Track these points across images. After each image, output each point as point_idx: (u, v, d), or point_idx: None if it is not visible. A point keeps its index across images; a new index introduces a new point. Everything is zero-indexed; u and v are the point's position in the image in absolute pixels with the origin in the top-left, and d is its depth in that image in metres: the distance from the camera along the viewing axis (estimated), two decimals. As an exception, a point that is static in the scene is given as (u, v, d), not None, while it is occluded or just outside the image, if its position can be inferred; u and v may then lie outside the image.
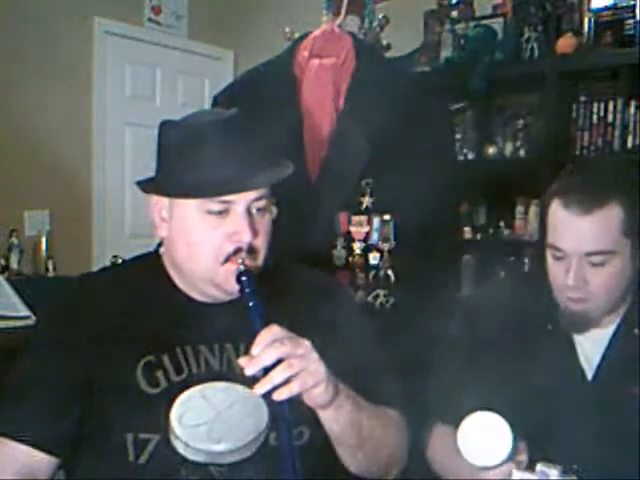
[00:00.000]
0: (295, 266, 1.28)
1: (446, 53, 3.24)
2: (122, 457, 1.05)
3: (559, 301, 1.27)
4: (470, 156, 3.28)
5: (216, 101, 1.90)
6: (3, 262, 3.32)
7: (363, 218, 1.73)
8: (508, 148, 3.22)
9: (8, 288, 2.84)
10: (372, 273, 1.74)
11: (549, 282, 1.30)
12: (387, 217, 1.72)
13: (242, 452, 0.93)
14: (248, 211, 1.09)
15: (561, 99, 2.95)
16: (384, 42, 2.56)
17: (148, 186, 1.17)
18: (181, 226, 1.12)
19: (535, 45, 3.00)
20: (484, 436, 1.09)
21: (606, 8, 2.86)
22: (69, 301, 1.19)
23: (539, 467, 1.12)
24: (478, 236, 3.26)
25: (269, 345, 0.96)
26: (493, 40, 3.08)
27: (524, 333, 1.31)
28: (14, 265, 3.34)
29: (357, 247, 1.74)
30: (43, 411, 1.08)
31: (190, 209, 1.10)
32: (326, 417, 1.04)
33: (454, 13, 3.31)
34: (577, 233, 1.19)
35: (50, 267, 3.47)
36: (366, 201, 1.73)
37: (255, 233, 1.09)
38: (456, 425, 1.12)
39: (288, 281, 1.21)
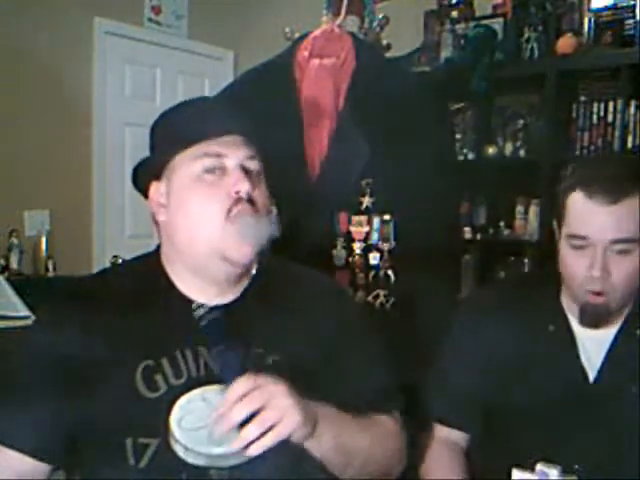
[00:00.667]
0: (293, 266, 1.27)
1: (446, 53, 3.24)
2: (122, 461, 1.04)
3: (577, 295, 1.25)
4: (470, 156, 3.28)
5: (216, 101, 1.90)
6: (3, 262, 3.32)
7: (363, 218, 1.73)
8: (508, 148, 3.22)
9: (8, 288, 2.84)
10: (372, 273, 1.74)
11: (553, 282, 1.29)
12: (387, 217, 1.72)
13: (243, 455, 0.92)
14: (243, 169, 1.10)
15: (561, 99, 2.95)
16: (384, 42, 2.56)
17: (144, 176, 1.20)
18: (179, 199, 1.12)
19: (535, 45, 3.01)
20: None
21: (606, 8, 2.87)
22: (66, 304, 1.17)
23: (539, 467, 1.12)
24: (478, 236, 3.25)
25: (239, 401, 0.93)
26: (493, 40, 3.08)
27: (525, 334, 1.31)
28: (14, 265, 3.34)
29: (357, 247, 1.74)
30: (36, 417, 1.06)
31: (186, 180, 1.10)
32: (307, 446, 1.03)
33: (454, 13, 3.32)
34: (603, 221, 1.18)
35: (50, 267, 3.47)
36: (366, 201, 1.73)
37: (253, 187, 1.09)
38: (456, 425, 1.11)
39: (286, 280, 1.21)
